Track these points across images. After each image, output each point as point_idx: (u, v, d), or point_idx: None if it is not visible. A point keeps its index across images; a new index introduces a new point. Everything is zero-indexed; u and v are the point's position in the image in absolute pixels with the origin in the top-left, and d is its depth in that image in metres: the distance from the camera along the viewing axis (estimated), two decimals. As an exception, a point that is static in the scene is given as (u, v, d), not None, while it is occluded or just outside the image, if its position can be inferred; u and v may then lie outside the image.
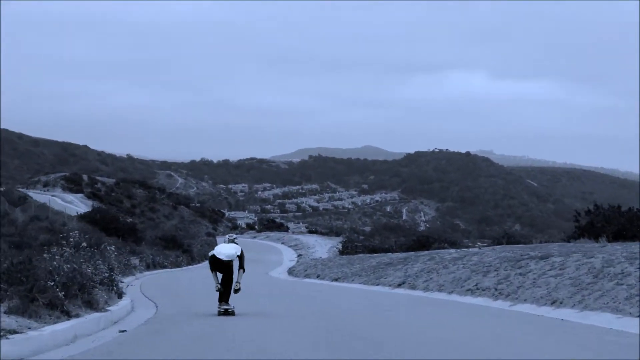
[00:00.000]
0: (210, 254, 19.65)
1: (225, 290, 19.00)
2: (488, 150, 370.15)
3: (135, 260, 47.40)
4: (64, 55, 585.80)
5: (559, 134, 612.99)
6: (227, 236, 20.47)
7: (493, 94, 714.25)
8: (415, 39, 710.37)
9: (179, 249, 68.21)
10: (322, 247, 78.94)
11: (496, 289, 23.10)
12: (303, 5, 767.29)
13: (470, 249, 37.99)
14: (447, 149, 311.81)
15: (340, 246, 72.83)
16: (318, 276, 42.54)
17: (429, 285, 27.59)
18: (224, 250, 19.16)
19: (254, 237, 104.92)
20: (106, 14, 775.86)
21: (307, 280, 42.53)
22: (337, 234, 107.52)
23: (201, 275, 36.93)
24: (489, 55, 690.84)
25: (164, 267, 56.74)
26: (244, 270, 19.53)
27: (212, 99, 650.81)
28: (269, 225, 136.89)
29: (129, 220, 72.63)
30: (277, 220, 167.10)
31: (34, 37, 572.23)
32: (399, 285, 29.93)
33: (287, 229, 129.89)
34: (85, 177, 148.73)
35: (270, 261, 67.25)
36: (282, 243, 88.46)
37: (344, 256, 56.29)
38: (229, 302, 19.06)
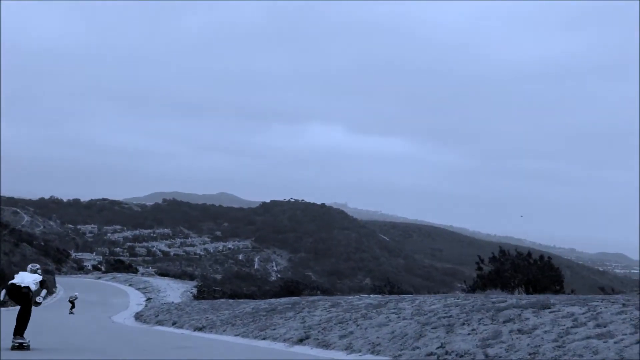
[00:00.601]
0: (9, 282, 17.68)
1: (21, 323, 17.10)
2: (342, 203, 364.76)
3: None
4: None
5: (411, 191, 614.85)
6: (29, 266, 18.65)
7: (349, 148, 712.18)
8: (277, 88, 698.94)
9: (-2, 282, 56.30)
10: (175, 291, 68.48)
11: (487, 355, 13.57)
12: (165, 46, 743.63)
13: (386, 295, 28.98)
14: (302, 200, 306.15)
15: (194, 290, 63.52)
16: (175, 323, 32.31)
17: (353, 343, 17.75)
18: (23, 278, 17.53)
19: (99, 278, 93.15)
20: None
21: (161, 328, 32.23)
22: (191, 278, 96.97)
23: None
24: (348, 109, 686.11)
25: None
26: (48, 291, 17.91)
27: (65, 136, 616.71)
28: (116, 266, 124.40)
29: None
30: (126, 261, 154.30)
31: None
32: (301, 340, 20.03)
33: (136, 271, 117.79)
34: None
35: (114, 304, 56.86)
36: (130, 285, 77.13)
37: (203, 301, 46.67)
38: (24, 335, 17.21)
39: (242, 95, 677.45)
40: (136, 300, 61.50)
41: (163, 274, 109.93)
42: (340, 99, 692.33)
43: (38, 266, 18.65)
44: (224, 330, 25.97)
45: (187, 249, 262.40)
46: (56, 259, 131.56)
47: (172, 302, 52.22)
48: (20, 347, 16.88)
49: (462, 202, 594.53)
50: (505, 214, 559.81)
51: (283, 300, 31.62)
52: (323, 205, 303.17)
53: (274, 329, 22.76)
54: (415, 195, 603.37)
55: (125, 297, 64.20)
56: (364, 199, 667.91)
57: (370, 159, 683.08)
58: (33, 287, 17.17)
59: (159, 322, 34.64)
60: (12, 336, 16.97)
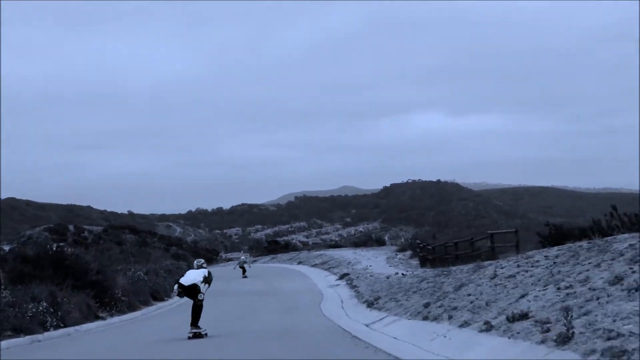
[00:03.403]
0: (178, 280, 16.29)
1: (194, 316, 15.86)
2: (451, 179, 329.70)
3: None
4: (61, 129, 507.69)
5: (509, 160, 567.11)
6: (195, 262, 17.04)
7: (450, 129, 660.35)
8: (378, 87, 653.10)
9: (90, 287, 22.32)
10: (371, 260, 37.39)
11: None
12: (267, 62, 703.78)
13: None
14: (419, 179, 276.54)
15: (412, 253, 33.13)
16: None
17: None
18: (188, 276, 16.15)
19: (254, 261, 63.29)
20: (95, 89, 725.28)
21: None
22: (379, 243, 65.52)
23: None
24: (444, 96, 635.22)
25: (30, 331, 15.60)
26: (209, 285, 16.18)
27: (200, 157, 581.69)
28: (270, 247, 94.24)
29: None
30: (281, 241, 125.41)
31: (35, 115, 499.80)
32: None
33: (297, 249, 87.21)
34: (71, 226, 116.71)
35: (293, 291, 27.07)
36: (299, 263, 46.89)
37: (462, 267, 15.70)
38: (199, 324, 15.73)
39: (345, 98, 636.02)
40: (324, 281, 30.94)
41: (332, 245, 79.22)
42: (436, 88, 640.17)
43: (203, 261, 17.12)
44: None
45: (323, 237, 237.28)
46: (206, 258, 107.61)
47: (396, 275, 21.61)
48: (196, 336, 15.60)
49: (558, 163, 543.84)
50: (599, 168, 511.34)
51: None
52: (438, 181, 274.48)
53: None
54: (514, 163, 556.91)
55: (305, 279, 33.67)
56: (470, 173, 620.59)
57: (470, 137, 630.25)
58: (199, 283, 15.77)
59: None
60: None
